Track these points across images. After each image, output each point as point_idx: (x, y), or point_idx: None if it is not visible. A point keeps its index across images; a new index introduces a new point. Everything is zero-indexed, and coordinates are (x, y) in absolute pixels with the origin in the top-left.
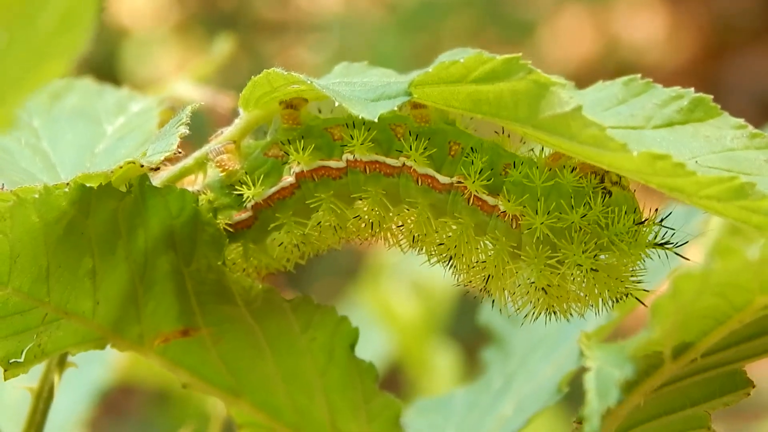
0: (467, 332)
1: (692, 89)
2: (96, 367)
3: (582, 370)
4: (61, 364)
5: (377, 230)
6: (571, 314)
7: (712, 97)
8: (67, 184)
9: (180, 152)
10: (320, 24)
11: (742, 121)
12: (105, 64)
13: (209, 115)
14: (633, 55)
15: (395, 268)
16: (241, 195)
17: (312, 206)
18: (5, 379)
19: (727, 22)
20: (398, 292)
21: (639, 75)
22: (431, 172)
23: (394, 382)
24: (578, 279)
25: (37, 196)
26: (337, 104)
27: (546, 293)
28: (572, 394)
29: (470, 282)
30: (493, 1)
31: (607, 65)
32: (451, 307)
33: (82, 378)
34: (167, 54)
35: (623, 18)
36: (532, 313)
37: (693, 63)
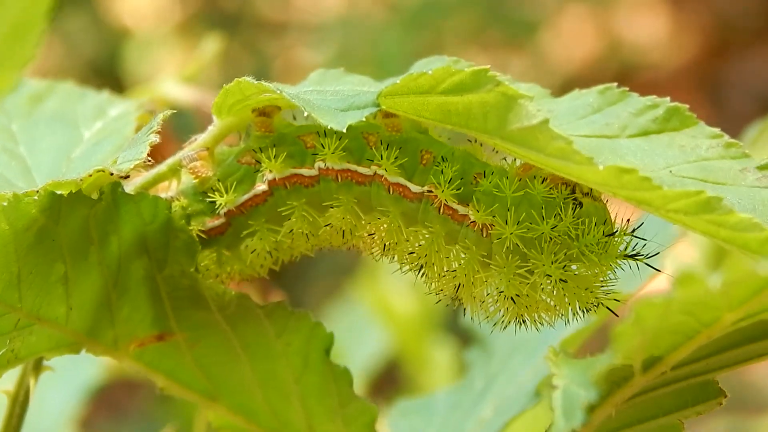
0: (465, 328)
1: (668, 98)
2: (87, 366)
3: None
4: (37, 368)
5: (349, 238)
6: (541, 323)
7: (687, 106)
8: (37, 191)
9: (150, 161)
10: (322, 24)
11: (717, 130)
12: (107, 65)
13: (196, 115)
14: (635, 55)
15: (393, 266)
16: (215, 202)
17: (284, 214)
18: None
19: (729, 21)
20: (396, 289)
21: (615, 84)
22: (403, 180)
23: (393, 378)
24: (548, 289)
25: (5, 203)
26: (306, 114)
27: (515, 302)
28: None
29: (441, 290)
30: (496, 0)
31: (609, 65)
32: (448, 304)
33: (73, 377)
34: (169, 54)
35: (625, 18)
36: (502, 321)
37: (695, 62)
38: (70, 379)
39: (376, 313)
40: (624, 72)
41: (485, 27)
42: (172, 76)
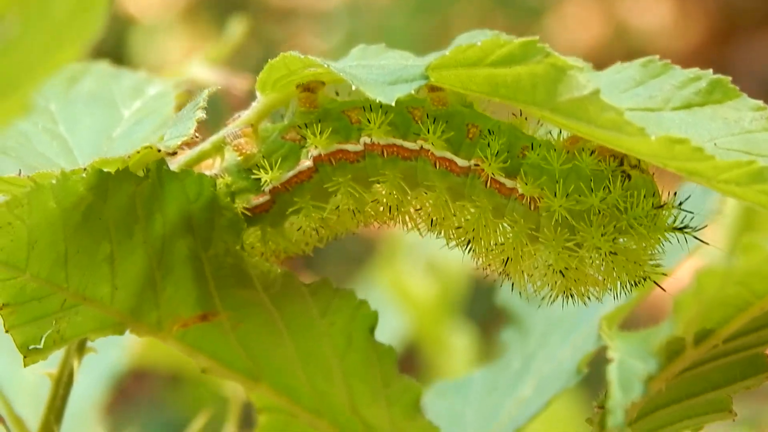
0: (483, 313)
1: (710, 71)
2: (113, 352)
3: (601, 351)
4: (80, 349)
5: (395, 214)
6: (588, 298)
7: (730, 78)
8: (84, 169)
9: (197, 137)
10: (329, 10)
11: (760, 102)
12: (113, 53)
13: (225, 98)
14: (641, 40)
15: (410, 249)
16: (259, 179)
17: (330, 190)
18: (24, 366)
19: (735, 6)
20: (414, 273)
21: (657, 56)
22: (449, 155)
23: (411, 363)
24: (596, 262)
25: (54, 181)
26: (354, 87)
27: (564, 276)
28: (589, 375)
29: (489, 265)
30: None
31: (615, 51)
32: (466, 288)
33: (99, 362)
34: (175, 41)
35: (630, 3)
36: (549, 295)
37: (701, 47)
38: (96, 365)
39: (394, 297)
40: (630, 58)
41: (491, 12)
42: (198, 58)
